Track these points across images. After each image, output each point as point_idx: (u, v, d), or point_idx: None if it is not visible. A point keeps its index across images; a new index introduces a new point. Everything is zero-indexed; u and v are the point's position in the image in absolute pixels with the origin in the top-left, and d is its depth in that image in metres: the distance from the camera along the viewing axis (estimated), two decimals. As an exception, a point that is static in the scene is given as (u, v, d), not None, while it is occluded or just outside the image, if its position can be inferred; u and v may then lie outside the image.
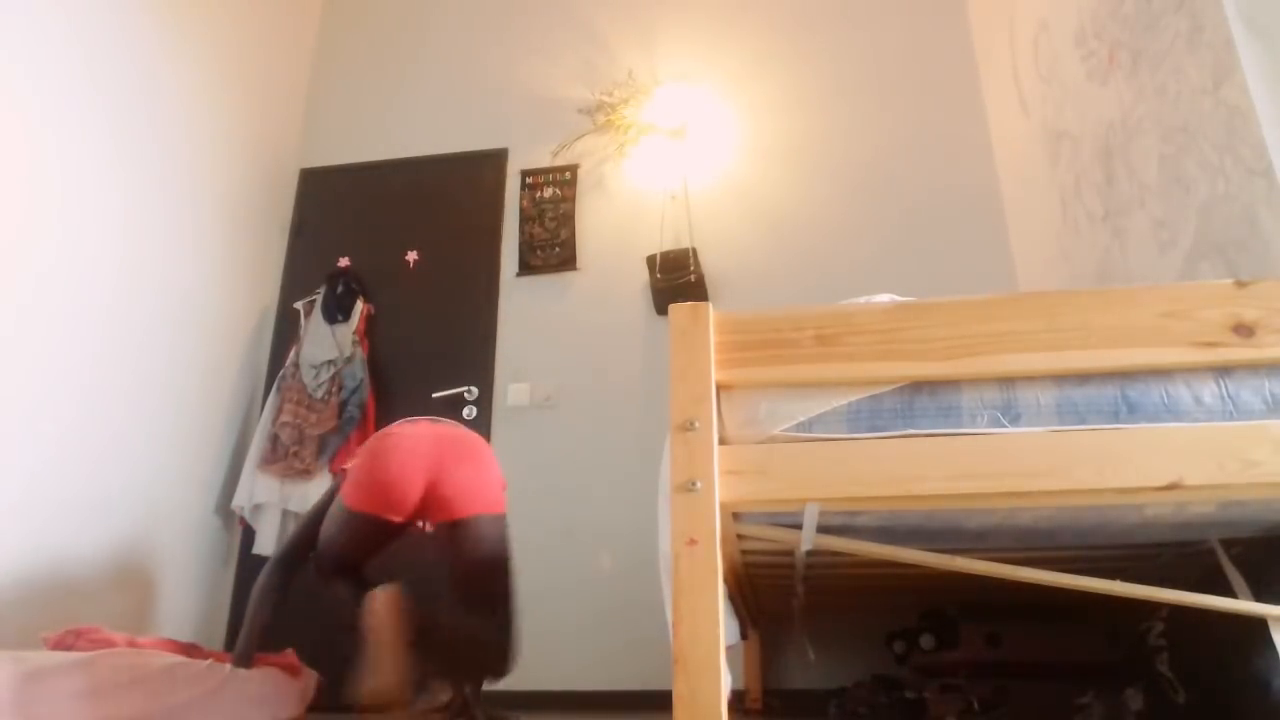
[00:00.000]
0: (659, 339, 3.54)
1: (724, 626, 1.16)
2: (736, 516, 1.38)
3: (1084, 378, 1.27)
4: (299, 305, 3.76)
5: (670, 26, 4.08)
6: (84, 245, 2.86)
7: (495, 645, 2.17)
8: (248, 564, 3.40)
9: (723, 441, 1.28)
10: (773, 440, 1.29)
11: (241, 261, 3.72)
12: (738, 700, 2.84)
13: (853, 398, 1.29)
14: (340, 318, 3.66)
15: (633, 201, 3.80)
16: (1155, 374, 1.26)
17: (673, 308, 1.34)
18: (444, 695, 2.19)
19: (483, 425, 3.53)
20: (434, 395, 3.56)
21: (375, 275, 3.82)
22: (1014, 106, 3.37)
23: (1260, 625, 1.34)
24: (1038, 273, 3.21)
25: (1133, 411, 1.24)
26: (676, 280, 3.49)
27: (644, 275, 3.61)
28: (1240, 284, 1.26)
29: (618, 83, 3.93)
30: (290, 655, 2.40)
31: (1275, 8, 1.83)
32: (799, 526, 1.35)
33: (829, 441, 1.28)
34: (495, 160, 4.00)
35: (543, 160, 3.94)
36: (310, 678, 2.44)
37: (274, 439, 3.43)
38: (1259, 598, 1.42)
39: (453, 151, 4.05)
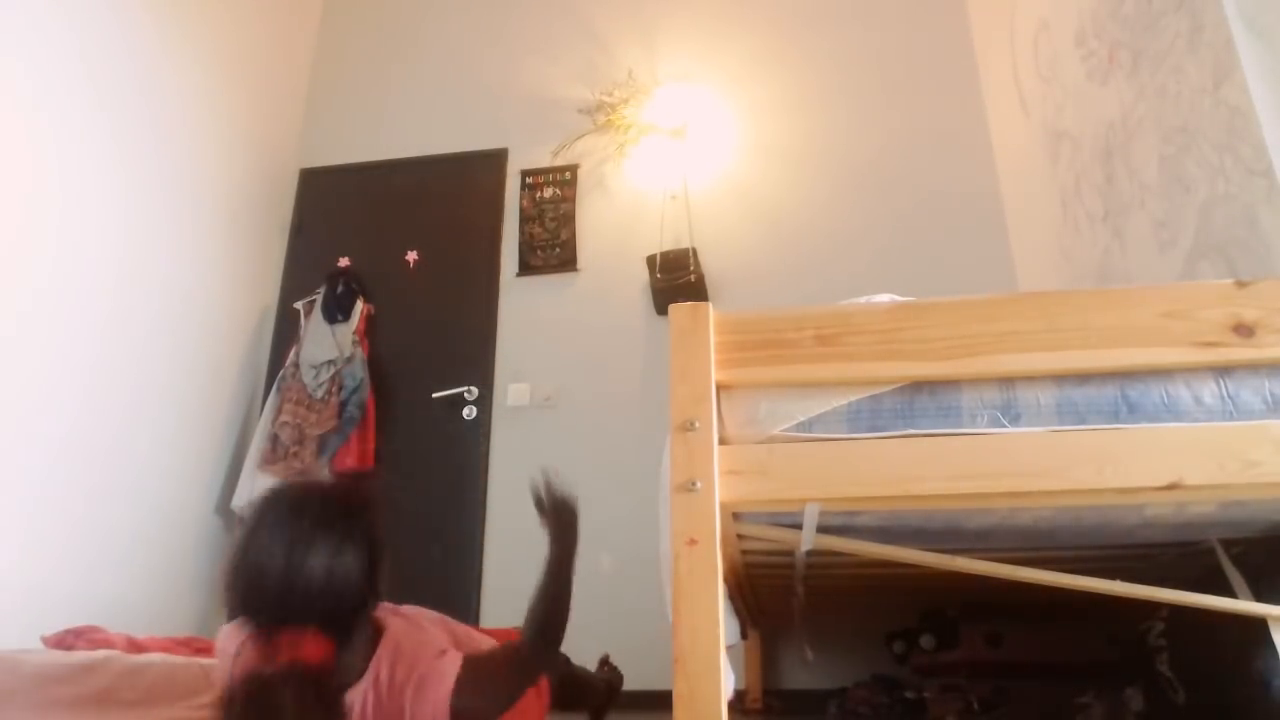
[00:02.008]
0: (659, 339, 3.54)
1: (724, 626, 1.16)
2: (736, 516, 1.38)
3: (1084, 378, 1.27)
4: (299, 305, 3.76)
5: (670, 26, 4.08)
6: (84, 246, 2.86)
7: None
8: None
9: (723, 441, 1.28)
10: (773, 440, 1.29)
11: (241, 261, 3.72)
12: (738, 700, 2.84)
13: (853, 398, 1.29)
14: (340, 318, 3.66)
15: (633, 201, 3.80)
16: (1155, 374, 1.26)
17: (673, 308, 1.34)
18: None
19: (483, 425, 3.53)
20: (434, 395, 3.56)
21: (375, 275, 3.82)
22: (1014, 106, 3.37)
23: (1260, 625, 1.34)
24: (1038, 273, 3.21)
25: (1133, 411, 1.24)
26: (676, 280, 3.49)
27: (644, 275, 3.61)
28: (1240, 284, 1.26)
29: (618, 83, 3.93)
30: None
31: (1275, 8, 1.83)
32: (799, 526, 1.35)
33: (829, 441, 1.28)
34: (495, 160, 4.00)
35: (543, 160, 3.94)
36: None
37: (274, 439, 3.43)
38: (1259, 598, 1.42)
39: (453, 151, 4.05)
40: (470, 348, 3.66)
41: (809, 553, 1.45)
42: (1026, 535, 1.50)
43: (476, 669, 1.36)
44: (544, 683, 1.82)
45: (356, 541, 1.26)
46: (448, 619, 1.68)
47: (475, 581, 3.33)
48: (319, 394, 3.48)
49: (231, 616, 1.29)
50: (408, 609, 1.55)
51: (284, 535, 1.23)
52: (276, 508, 1.28)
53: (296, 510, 1.27)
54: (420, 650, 1.37)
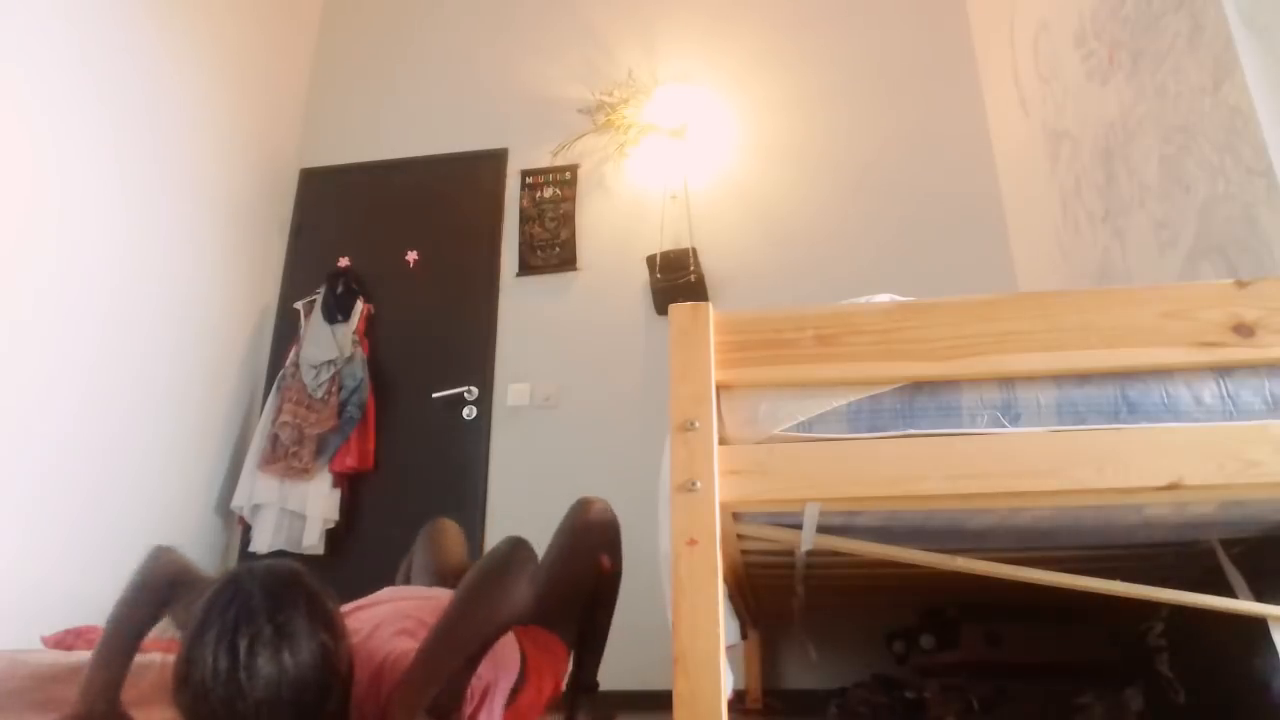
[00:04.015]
0: (659, 339, 3.54)
1: (724, 626, 1.15)
2: (736, 516, 1.38)
3: (1084, 378, 1.26)
4: (299, 305, 3.76)
5: (670, 26, 4.08)
6: (84, 246, 2.86)
7: None
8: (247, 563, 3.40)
9: (723, 441, 1.28)
10: (773, 440, 1.29)
11: (241, 261, 3.72)
12: (738, 700, 2.83)
13: (853, 398, 1.29)
14: (340, 318, 3.66)
15: (633, 201, 3.80)
16: (1155, 374, 1.25)
17: (673, 308, 1.34)
18: None
19: (483, 425, 3.53)
20: (434, 395, 3.56)
21: (375, 275, 3.82)
22: (1014, 106, 3.37)
23: (1260, 625, 1.34)
24: (1038, 273, 3.21)
25: (1133, 411, 1.24)
26: (676, 280, 3.49)
27: (644, 275, 3.61)
28: (1240, 284, 1.26)
29: (618, 83, 3.93)
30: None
31: (1275, 8, 1.83)
32: (799, 526, 1.35)
33: (829, 441, 1.28)
34: (495, 160, 4.00)
35: (543, 160, 3.93)
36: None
37: (274, 439, 3.43)
38: (1259, 598, 1.42)
39: (453, 151, 4.05)
40: (470, 348, 3.66)
41: (809, 553, 1.45)
42: (1026, 535, 1.50)
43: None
44: (548, 680, 1.80)
45: (304, 639, 1.14)
46: (414, 597, 1.59)
47: (475, 581, 3.33)
48: (319, 394, 3.48)
49: None
50: (367, 614, 1.47)
51: (227, 656, 1.10)
52: (212, 622, 1.14)
53: (236, 620, 1.13)
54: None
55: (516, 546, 1.43)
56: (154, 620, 1.47)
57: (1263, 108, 1.79)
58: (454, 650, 1.29)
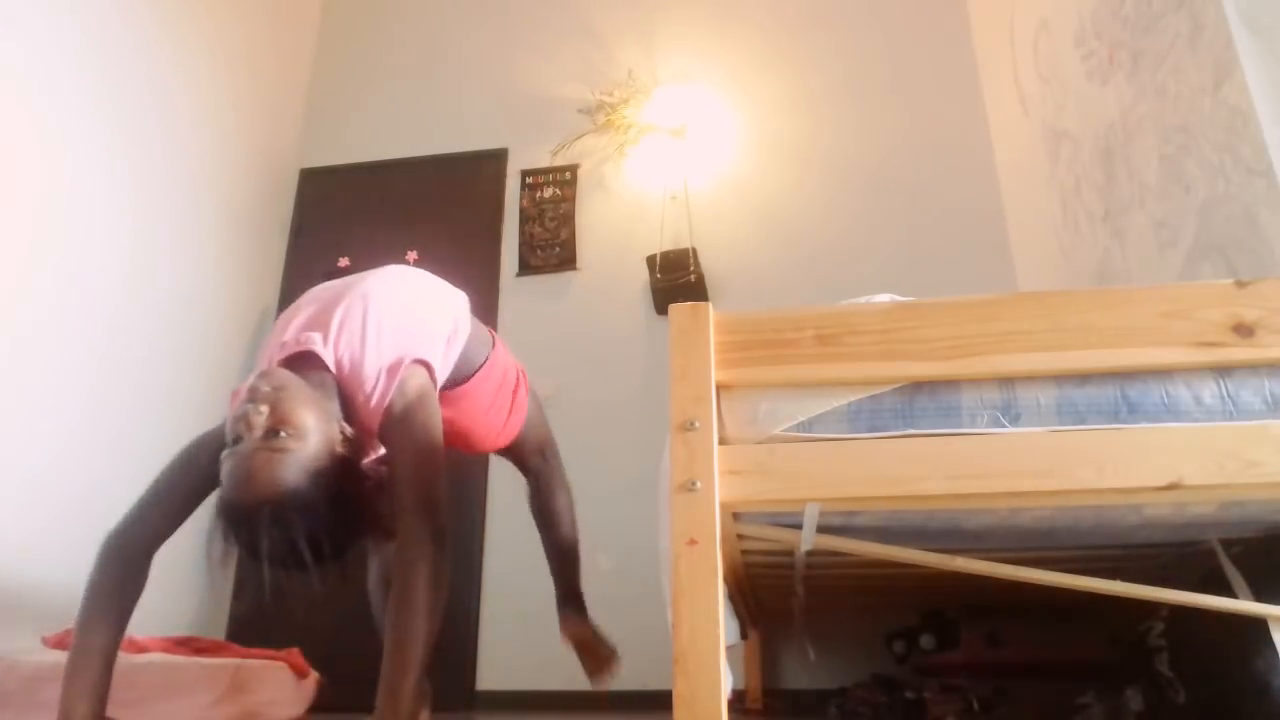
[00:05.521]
0: (659, 339, 3.54)
1: (724, 626, 1.15)
2: (736, 516, 1.38)
3: (1084, 378, 1.26)
4: (299, 305, 3.76)
5: (670, 26, 4.08)
6: (85, 246, 2.86)
7: None
8: (247, 563, 3.40)
9: (723, 441, 1.28)
10: (773, 440, 1.29)
11: (241, 261, 3.71)
12: (738, 700, 2.84)
13: (853, 398, 1.29)
14: (340, 318, 3.66)
15: (633, 201, 3.80)
16: (1155, 374, 1.25)
17: (673, 308, 1.34)
18: None
19: (483, 425, 3.52)
20: (434, 395, 3.56)
21: (375, 275, 3.82)
22: (1014, 106, 3.37)
23: (1260, 625, 1.34)
24: (1038, 273, 3.21)
25: (1133, 411, 1.23)
26: (676, 280, 3.49)
27: (644, 275, 3.61)
28: (1240, 284, 1.26)
29: (618, 83, 3.93)
30: (296, 654, 2.39)
31: (1275, 8, 1.83)
32: (799, 526, 1.35)
33: (829, 441, 1.28)
34: (495, 160, 4.00)
35: (543, 160, 3.94)
36: (314, 677, 2.44)
37: (274, 439, 3.43)
38: (1259, 598, 1.42)
39: (453, 151, 4.05)
40: (470, 348, 3.65)
41: (809, 553, 1.45)
42: (1026, 535, 1.50)
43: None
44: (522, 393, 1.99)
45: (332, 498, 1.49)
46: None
47: (475, 579, 3.33)
48: (319, 394, 3.48)
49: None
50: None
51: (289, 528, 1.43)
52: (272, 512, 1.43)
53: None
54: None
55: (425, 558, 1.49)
56: (124, 616, 1.55)
57: (1263, 108, 1.79)
58: (421, 645, 1.39)
